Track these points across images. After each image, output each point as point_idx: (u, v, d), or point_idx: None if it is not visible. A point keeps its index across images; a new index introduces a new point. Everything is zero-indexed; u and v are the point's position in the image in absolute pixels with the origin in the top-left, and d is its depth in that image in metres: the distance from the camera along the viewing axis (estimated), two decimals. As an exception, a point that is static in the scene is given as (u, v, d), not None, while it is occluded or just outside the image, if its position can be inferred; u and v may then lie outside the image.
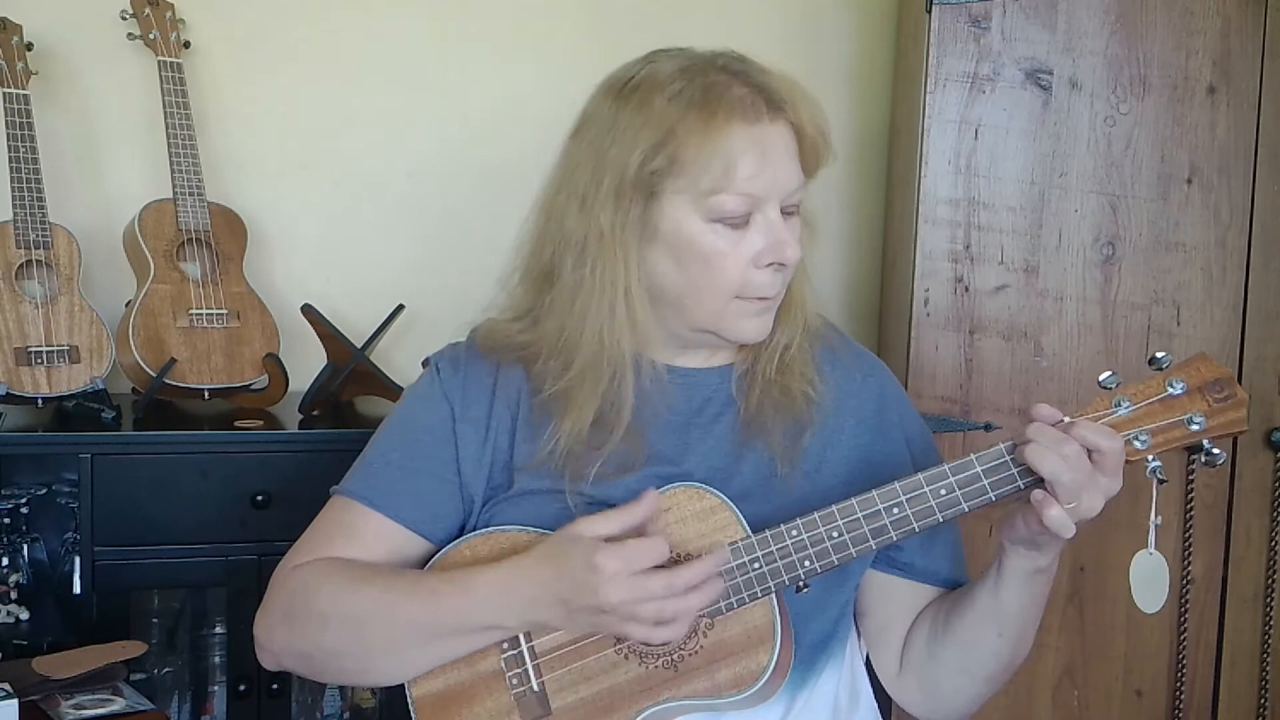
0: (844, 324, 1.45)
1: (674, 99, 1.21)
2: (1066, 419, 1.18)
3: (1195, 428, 1.18)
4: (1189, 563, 2.10)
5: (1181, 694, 2.13)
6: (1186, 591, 2.11)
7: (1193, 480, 2.08)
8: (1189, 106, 2.05)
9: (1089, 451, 1.15)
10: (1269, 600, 2.11)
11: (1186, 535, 2.09)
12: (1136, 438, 1.18)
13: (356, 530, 1.33)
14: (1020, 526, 1.20)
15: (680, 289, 1.27)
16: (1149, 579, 1.23)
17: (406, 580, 1.29)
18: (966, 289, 2.07)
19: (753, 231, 1.24)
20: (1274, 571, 2.10)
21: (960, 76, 2.04)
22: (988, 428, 2.07)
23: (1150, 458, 1.18)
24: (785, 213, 1.26)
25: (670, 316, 1.31)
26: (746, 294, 1.26)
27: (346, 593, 1.27)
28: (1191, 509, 2.09)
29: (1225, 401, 1.18)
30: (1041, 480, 1.16)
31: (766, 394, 1.33)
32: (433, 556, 1.33)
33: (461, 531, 1.35)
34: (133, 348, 2.00)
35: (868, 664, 1.44)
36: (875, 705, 1.42)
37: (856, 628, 1.43)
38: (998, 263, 2.07)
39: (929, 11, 2.03)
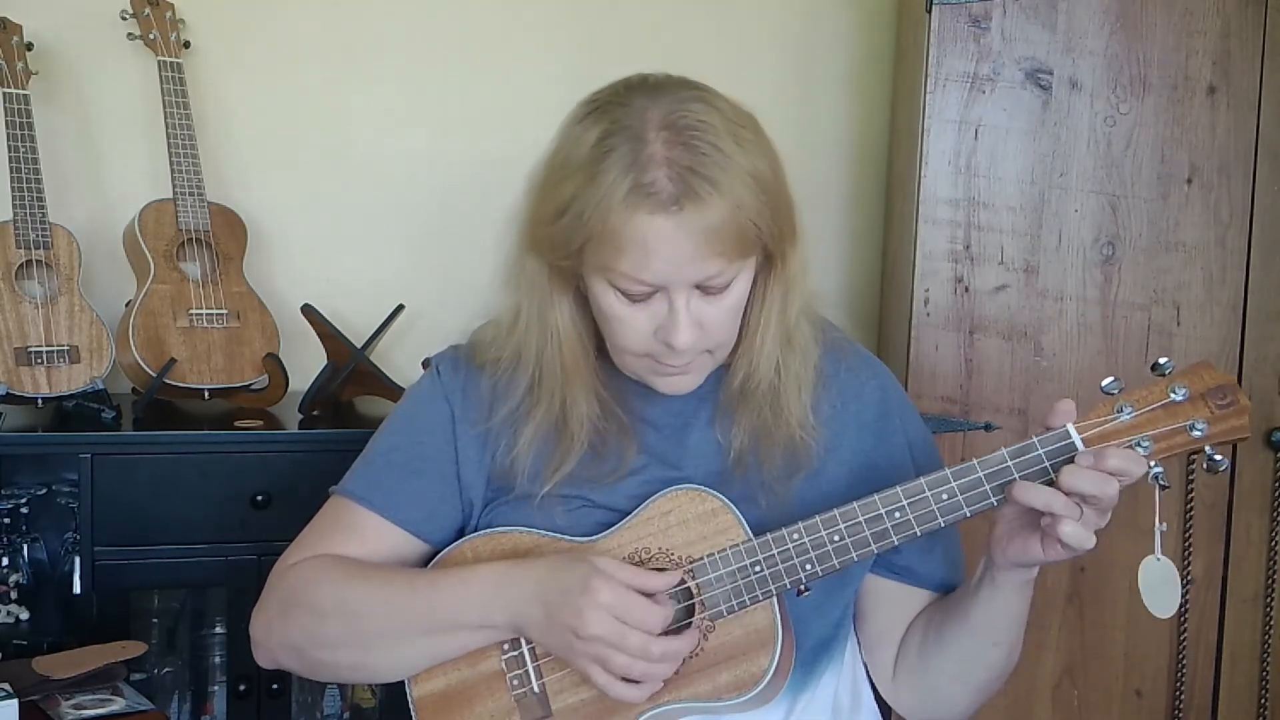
0: (844, 324, 1.44)
1: (600, 163, 1.17)
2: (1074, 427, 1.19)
3: (1197, 434, 1.18)
4: (1189, 563, 2.10)
5: (1181, 694, 2.13)
6: (1186, 591, 2.11)
7: (1193, 480, 2.08)
8: (1189, 106, 2.05)
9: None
10: (1269, 600, 2.11)
11: (1187, 535, 2.09)
12: (1139, 444, 1.17)
13: (355, 531, 1.33)
14: (1037, 553, 1.18)
15: (604, 335, 1.29)
16: (1158, 584, 1.23)
17: (405, 574, 1.29)
18: (966, 289, 2.07)
19: (652, 307, 1.22)
20: (1274, 571, 2.10)
21: (960, 76, 2.04)
22: (988, 428, 2.07)
23: (1152, 464, 1.18)
24: (708, 290, 1.21)
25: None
26: (656, 358, 1.26)
27: (343, 586, 1.28)
28: (1191, 509, 2.09)
29: (1228, 408, 1.18)
30: (1051, 481, 1.16)
31: (759, 409, 1.31)
32: (431, 559, 1.33)
33: (460, 534, 1.34)
34: (133, 348, 2.00)
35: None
36: (876, 707, 1.42)
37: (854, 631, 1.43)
38: (998, 263, 2.07)
39: (929, 11, 2.02)
